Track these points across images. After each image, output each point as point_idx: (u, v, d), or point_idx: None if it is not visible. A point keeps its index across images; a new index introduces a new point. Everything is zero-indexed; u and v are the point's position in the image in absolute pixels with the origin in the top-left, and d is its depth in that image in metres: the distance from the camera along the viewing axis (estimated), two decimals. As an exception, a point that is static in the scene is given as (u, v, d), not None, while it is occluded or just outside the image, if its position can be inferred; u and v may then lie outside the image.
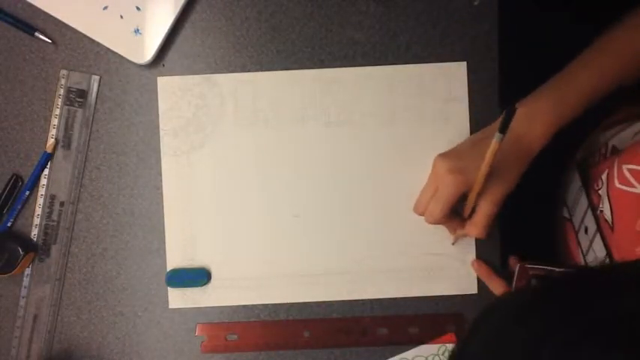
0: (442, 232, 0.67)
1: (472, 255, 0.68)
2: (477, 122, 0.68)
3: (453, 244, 0.68)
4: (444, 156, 0.62)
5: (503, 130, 0.52)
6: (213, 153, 0.68)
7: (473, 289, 0.68)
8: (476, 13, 0.68)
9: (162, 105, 0.68)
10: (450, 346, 0.68)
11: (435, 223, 0.63)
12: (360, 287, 0.68)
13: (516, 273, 0.61)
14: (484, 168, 0.57)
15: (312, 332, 0.68)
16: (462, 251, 0.68)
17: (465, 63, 0.68)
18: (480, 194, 0.60)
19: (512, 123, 0.52)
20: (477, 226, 0.62)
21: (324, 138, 0.68)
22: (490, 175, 0.58)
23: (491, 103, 0.68)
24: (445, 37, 0.68)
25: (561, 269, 0.61)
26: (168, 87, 0.68)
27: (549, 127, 0.61)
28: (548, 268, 0.62)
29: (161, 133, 0.68)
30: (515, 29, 0.76)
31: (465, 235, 0.66)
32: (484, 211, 0.61)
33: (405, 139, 0.68)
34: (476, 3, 0.68)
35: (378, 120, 0.68)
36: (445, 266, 0.68)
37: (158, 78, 0.68)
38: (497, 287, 0.66)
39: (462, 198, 0.62)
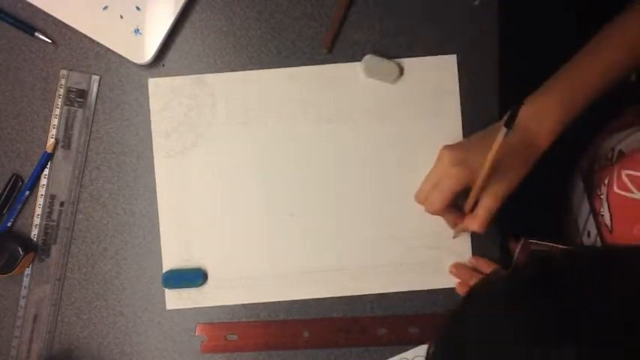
0: (438, 226, 0.67)
1: (468, 249, 0.68)
2: (472, 118, 0.68)
3: (454, 237, 0.68)
4: (450, 148, 0.62)
5: (509, 125, 0.52)
6: (207, 153, 0.68)
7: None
8: (476, 13, 0.68)
9: (154, 106, 0.68)
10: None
11: (434, 214, 0.63)
12: (358, 283, 0.68)
13: (519, 248, 0.61)
14: (488, 161, 0.56)
15: (311, 332, 0.68)
16: (458, 245, 0.68)
17: (454, 56, 0.68)
18: (483, 189, 0.60)
19: (520, 119, 0.52)
20: (477, 220, 0.61)
21: (317, 135, 0.68)
22: (495, 170, 0.58)
23: (487, 100, 0.68)
24: (445, 37, 0.68)
25: (562, 247, 0.61)
26: (159, 88, 0.68)
27: (558, 123, 0.61)
28: (550, 244, 0.61)
29: (153, 134, 0.68)
30: (515, 29, 0.76)
31: (465, 230, 0.66)
32: (486, 205, 0.61)
33: (398, 134, 0.68)
34: (476, 3, 0.68)
35: (371, 115, 0.68)
36: (442, 260, 0.68)
37: (149, 79, 0.68)
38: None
39: (464, 191, 0.62)
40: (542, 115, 0.61)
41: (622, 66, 0.61)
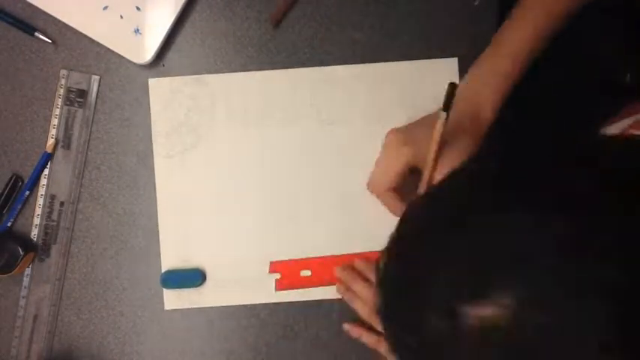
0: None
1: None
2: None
3: None
4: (395, 130, 0.62)
5: (446, 107, 0.53)
6: (207, 153, 0.68)
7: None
8: (476, 13, 0.68)
9: (154, 106, 0.68)
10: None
11: (379, 196, 0.62)
12: (360, 286, 0.68)
13: None
14: (433, 145, 0.57)
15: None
16: None
17: (456, 59, 0.68)
18: (434, 168, 0.60)
19: (462, 93, 0.54)
20: None
21: (317, 136, 0.68)
22: (444, 149, 0.58)
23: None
24: (445, 37, 0.68)
25: None
26: (160, 88, 0.68)
27: (496, 92, 0.61)
28: None
29: (153, 134, 0.68)
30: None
31: None
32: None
33: None
34: (476, 3, 0.68)
35: (371, 117, 0.68)
36: None
37: (149, 80, 0.68)
38: None
39: (413, 180, 0.61)
40: (480, 86, 0.61)
41: (546, 29, 0.61)
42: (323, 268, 0.68)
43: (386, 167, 0.61)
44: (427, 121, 0.61)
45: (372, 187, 0.63)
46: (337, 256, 0.68)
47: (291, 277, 0.68)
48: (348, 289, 0.67)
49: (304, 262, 0.68)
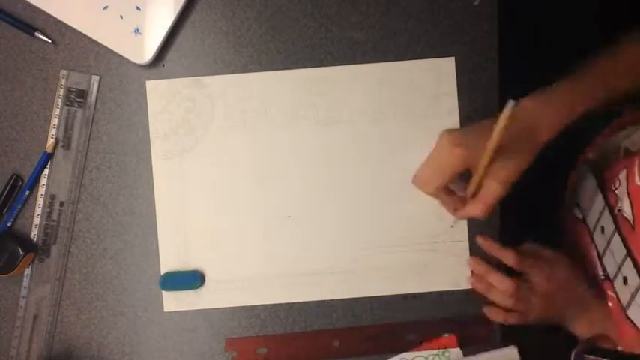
0: (436, 227, 0.67)
1: (466, 251, 0.68)
2: (470, 120, 0.67)
3: (452, 226, 0.68)
4: (450, 130, 0.61)
5: (516, 97, 0.52)
6: (205, 155, 0.68)
7: (468, 284, 0.68)
8: (476, 13, 0.68)
9: (152, 108, 0.68)
10: (450, 353, 0.68)
11: (430, 193, 0.63)
12: (357, 285, 0.68)
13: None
14: (492, 142, 0.56)
15: (342, 341, 0.68)
16: (456, 247, 0.68)
17: (453, 58, 0.68)
18: (486, 174, 0.60)
19: (524, 112, 0.53)
20: (479, 203, 0.60)
21: (315, 137, 0.68)
22: (500, 155, 0.57)
23: (486, 102, 0.68)
24: (445, 37, 0.68)
25: None
26: (158, 90, 0.68)
27: (560, 118, 0.60)
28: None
29: (151, 136, 0.68)
30: (515, 29, 0.76)
31: (465, 217, 0.66)
32: (489, 189, 0.60)
33: (395, 136, 0.68)
34: (476, 3, 0.68)
35: (368, 117, 0.68)
36: (440, 262, 0.68)
37: (147, 82, 0.68)
38: (509, 259, 0.67)
39: (461, 179, 0.61)
40: (547, 109, 0.60)
41: (622, 90, 0.61)
42: (279, 345, 0.68)
43: (438, 167, 0.61)
44: (482, 127, 0.60)
45: (421, 184, 0.63)
46: (294, 333, 0.68)
47: (247, 355, 0.68)
48: (481, 279, 0.67)
49: (261, 340, 0.68)
